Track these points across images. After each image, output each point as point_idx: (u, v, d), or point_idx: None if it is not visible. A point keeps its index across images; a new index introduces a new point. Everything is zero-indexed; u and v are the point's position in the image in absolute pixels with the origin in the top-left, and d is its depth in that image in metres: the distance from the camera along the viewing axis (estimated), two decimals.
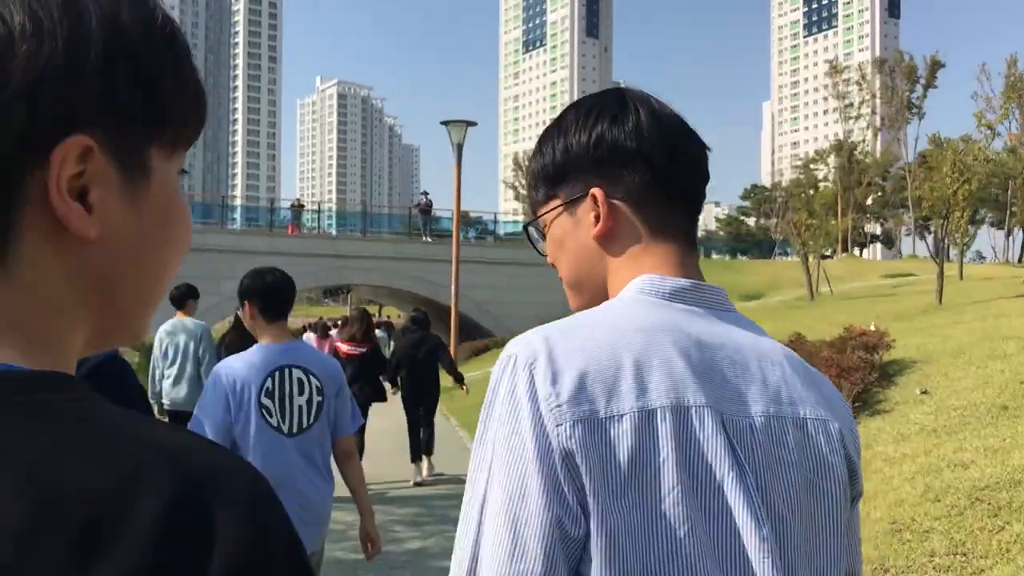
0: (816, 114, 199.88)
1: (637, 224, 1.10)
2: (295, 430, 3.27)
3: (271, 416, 3.22)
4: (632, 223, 1.10)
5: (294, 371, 3.30)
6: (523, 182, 38.25)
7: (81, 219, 0.55)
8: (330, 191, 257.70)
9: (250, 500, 0.54)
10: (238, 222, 35.13)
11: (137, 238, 0.60)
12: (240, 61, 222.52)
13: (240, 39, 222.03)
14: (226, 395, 3.19)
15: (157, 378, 7.55)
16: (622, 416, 0.91)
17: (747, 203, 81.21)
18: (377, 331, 28.39)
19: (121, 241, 0.59)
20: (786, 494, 0.97)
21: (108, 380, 2.99)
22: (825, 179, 67.63)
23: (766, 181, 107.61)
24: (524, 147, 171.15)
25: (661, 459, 0.91)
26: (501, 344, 29.29)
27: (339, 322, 22.50)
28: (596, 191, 1.09)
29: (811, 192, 45.51)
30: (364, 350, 9.30)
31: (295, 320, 57.55)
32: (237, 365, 3.26)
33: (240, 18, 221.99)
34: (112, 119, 0.56)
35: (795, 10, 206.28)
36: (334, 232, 34.19)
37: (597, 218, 1.09)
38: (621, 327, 0.98)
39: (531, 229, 1.23)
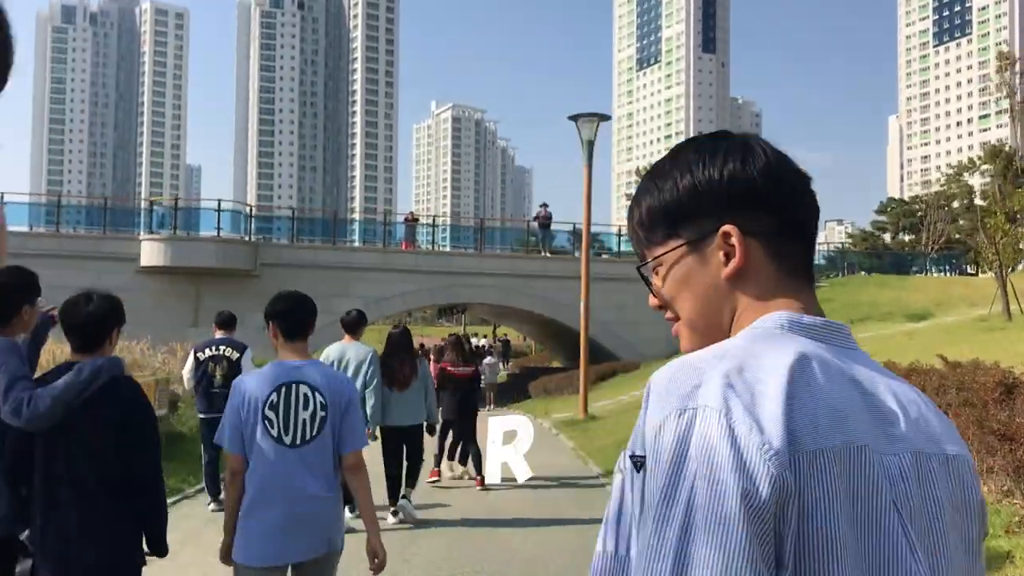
0: (948, 126, 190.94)
1: (770, 264, 1.09)
2: (297, 442, 3.54)
3: (272, 427, 3.53)
4: (765, 263, 1.09)
5: (301, 387, 3.59)
6: None
7: None
8: (445, 213, 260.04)
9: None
10: (356, 239, 33.69)
11: None
12: (359, 87, 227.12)
13: (359, 65, 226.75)
14: (239, 405, 3.56)
15: None
16: (815, 455, 0.91)
17: (883, 218, 76.20)
18: (488, 359, 26.37)
19: None
20: (938, 532, 0.99)
21: (119, 396, 3.20)
22: (969, 193, 62.49)
23: (894, 196, 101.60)
24: (638, 164, 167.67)
25: (831, 500, 0.91)
26: (629, 369, 26.78)
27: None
28: (731, 228, 1.08)
29: (1001, 192, 40.62)
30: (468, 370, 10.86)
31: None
32: (251, 379, 3.63)
33: (358, 44, 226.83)
34: None
35: (924, 19, 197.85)
36: (448, 248, 32.40)
37: (727, 256, 1.09)
38: (783, 364, 0.96)
39: (643, 271, 1.20)
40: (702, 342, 1.10)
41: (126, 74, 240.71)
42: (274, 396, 3.53)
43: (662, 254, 1.14)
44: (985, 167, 55.58)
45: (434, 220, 32.96)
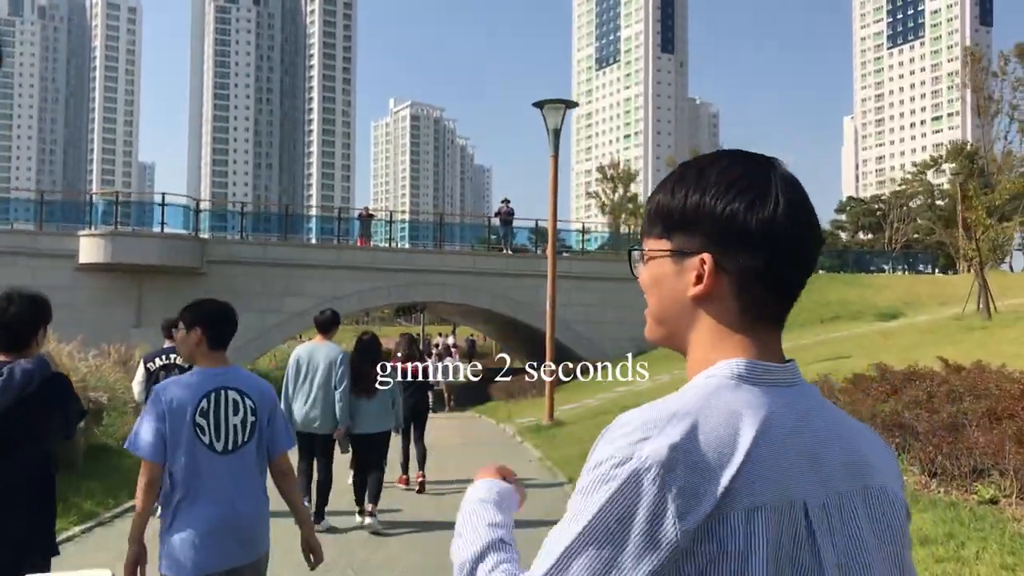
0: (903, 127, 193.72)
1: (735, 302, 1.15)
2: (230, 448, 3.51)
3: (204, 434, 3.46)
4: (730, 299, 1.15)
5: (229, 392, 3.54)
6: (607, 191, 34.15)
7: None
8: (403, 211, 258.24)
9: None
10: (312, 236, 32.27)
11: None
12: (315, 84, 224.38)
13: (315, 62, 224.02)
14: (163, 411, 3.45)
15: (290, 399, 7.83)
16: (730, 514, 1.00)
17: (842, 217, 76.46)
18: (447, 359, 25.34)
19: None
20: (862, 564, 1.08)
21: (54, 395, 3.28)
22: (931, 191, 62.68)
23: (852, 196, 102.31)
24: (597, 165, 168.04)
25: (756, 555, 1.01)
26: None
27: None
28: (707, 257, 1.14)
29: (962, 190, 40.24)
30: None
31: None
32: (175, 386, 3.53)
33: (315, 41, 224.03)
34: None
35: (878, 21, 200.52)
36: (407, 245, 31.26)
37: (698, 279, 1.15)
38: (731, 425, 1.05)
39: (635, 252, 1.26)
40: (660, 337, 1.23)
41: (77, 69, 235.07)
42: (204, 403, 3.49)
43: (651, 249, 1.21)
44: (947, 165, 55.63)
45: (390, 215, 31.62)
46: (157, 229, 25.84)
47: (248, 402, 3.57)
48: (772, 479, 1.03)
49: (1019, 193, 18.24)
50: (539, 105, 15.20)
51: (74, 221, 26.76)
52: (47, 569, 3.29)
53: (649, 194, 1.27)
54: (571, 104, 15.41)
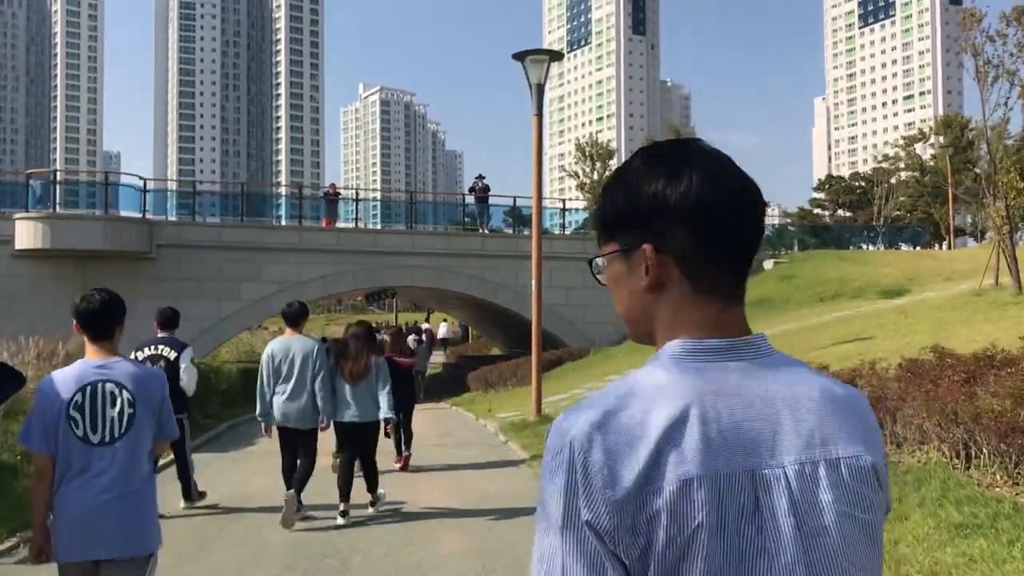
0: (874, 107, 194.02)
1: (684, 281, 1.18)
2: (106, 439, 3.54)
3: (77, 427, 3.51)
4: (678, 280, 1.18)
5: (107, 385, 3.58)
6: (585, 169, 32.02)
7: None
8: (375, 189, 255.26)
9: None
10: (282, 217, 29.89)
11: None
12: (283, 69, 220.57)
13: (282, 46, 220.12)
14: (46, 403, 3.55)
15: (268, 395, 7.82)
16: (662, 489, 1.05)
17: (822, 195, 75.26)
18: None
19: None
20: (824, 532, 1.09)
21: None
22: (920, 165, 61.34)
23: (831, 175, 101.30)
24: (571, 148, 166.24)
25: (695, 524, 1.04)
26: (577, 356, 24.16)
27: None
28: (647, 247, 1.19)
29: (951, 164, 38.48)
30: None
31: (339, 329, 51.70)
32: (57, 378, 3.63)
33: (282, 25, 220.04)
34: None
35: (849, 0, 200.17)
36: (379, 226, 29.19)
37: (647, 270, 1.19)
38: (659, 402, 1.10)
39: (596, 261, 1.30)
40: (636, 335, 1.27)
41: (37, 57, 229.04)
42: (79, 396, 3.53)
43: (604, 254, 1.27)
44: (936, 138, 54.29)
45: (357, 193, 29.36)
46: (99, 211, 23.71)
47: (126, 395, 3.58)
48: (708, 452, 1.06)
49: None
50: (520, 57, 13.33)
51: (11, 206, 24.47)
52: None
53: None
54: (556, 55, 13.55)
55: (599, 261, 1.29)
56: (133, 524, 3.52)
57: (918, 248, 44.07)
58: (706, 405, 1.10)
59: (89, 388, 3.53)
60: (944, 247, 45.44)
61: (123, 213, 24.08)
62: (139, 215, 24.19)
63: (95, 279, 21.95)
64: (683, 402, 1.09)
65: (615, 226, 1.23)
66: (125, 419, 3.56)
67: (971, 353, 8.02)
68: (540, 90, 13.31)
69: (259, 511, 8.21)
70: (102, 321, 3.62)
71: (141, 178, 25.25)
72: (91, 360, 3.62)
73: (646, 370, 1.16)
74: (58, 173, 28.34)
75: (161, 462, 8.68)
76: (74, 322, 3.65)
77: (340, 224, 27.34)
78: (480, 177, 27.76)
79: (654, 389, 1.11)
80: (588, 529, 1.04)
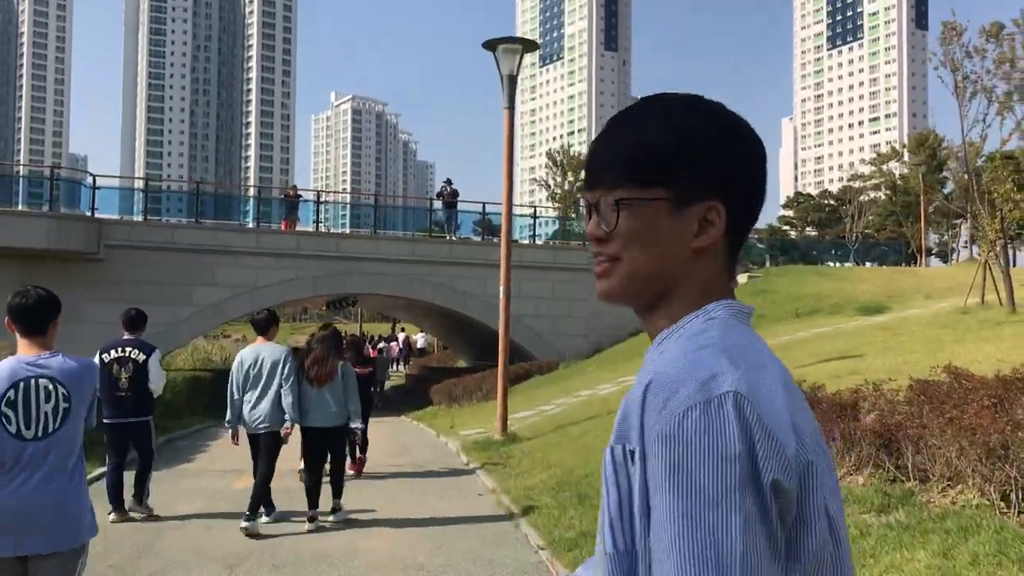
0: (841, 128, 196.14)
1: (724, 248, 1.09)
2: (40, 435, 3.50)
3: (10, 423, 3.46)
4: (722, 246, 1.08)
5: (41, 380, 3.54)
6: (557, 180, 31.03)
7: None
8: (340, 191, 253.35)
9: None
10: (249, 219, 28.61)
11: None
12: (254, 75, 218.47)
13: (254, 52, 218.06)
14: None
15: (237, 403, 7.79)
16: (806, 446, 0.98)
17: (790, 212, 75.22)
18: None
19: None
20: (843, 522, 1.05)
21: None
22: (892, 183, 61.14)
23: (790, 195, 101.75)
24: (541, 162, 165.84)
25: (826, 490, 1.00)
26: (546, 370, 23.15)
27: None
28: (718, 205, 1.06)
29: (924, 181, 38.08)
30: None
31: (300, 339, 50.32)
32: None
33: (254, 31, 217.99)
34: None
35: (819, 23, 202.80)
36: (346, 230, 27.98)
37: (701, 229, 1.06)
38: (767, 367, 1.01)
39: (603, 205, 1.09)
40: (644, 294, 1.09)
41: (2, 56, 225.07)
42: (11, 392, 3.50)
43: (637, 197, 1.06)
44: (909, 155, 54.09)
45: (318, 195, 28.09)
46: (43, 207, 22.38)
47: (61, 389, 3.55)
48: (804, 420, 1.01)
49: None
50: (491, 47, 12.39)
51: None
52: None
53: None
54: (530, 45, 12.63)
55: (604, 201, 1.08)
56: (64, 518, 3.48)
57: (885, 266, 43.93)
58: (785, 373, 1.03)
59: (23, 384, 3.50)
60: (915, 265, 45.18)
61: (68, 211, 22.79)
62: (87, 213, 22.90)
63: (38, 281, 20.59)
64: (776, 367, 1.02)
65: (672, 167, 1.04)
66: (60, 414, 3.54)
67: (994, 375, 7.15)
68: (512, 81, 12.38)
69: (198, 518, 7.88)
70: (36, 316, 3.59)
71: (91, 175, 23.92)
72: (24, 355, 3.60)
73: (719, 328, 1.03)
74: None
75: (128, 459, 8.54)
76: (6, 318, 3.60)
77: (301, 228, 26.17)
78: (448, 182, 26.73)
79: (756, 353, 1.01)
80: (770, 492, 0.92)
